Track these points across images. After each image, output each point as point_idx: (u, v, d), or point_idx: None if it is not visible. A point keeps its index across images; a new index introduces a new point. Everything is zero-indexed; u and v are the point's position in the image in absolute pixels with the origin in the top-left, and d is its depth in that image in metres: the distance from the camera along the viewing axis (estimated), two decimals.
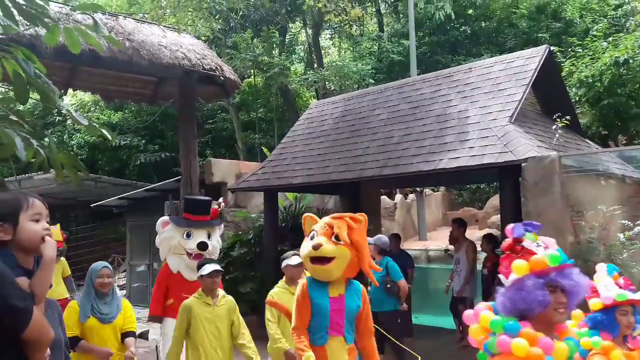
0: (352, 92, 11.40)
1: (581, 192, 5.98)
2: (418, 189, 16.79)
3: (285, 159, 8.85)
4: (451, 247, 8.49)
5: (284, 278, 4.66)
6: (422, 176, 7.88)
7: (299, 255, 3.94)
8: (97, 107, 19.30)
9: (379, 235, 6.48)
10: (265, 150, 13.69)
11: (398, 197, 16.84)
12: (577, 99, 10.70)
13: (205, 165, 10.97)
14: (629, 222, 5.88)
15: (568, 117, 6.20)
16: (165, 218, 5.55)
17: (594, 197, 5.99)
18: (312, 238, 3.43)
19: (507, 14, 18.23)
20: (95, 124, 3.16)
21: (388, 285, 6.08)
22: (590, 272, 5.41)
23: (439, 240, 15.38)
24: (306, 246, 3.43)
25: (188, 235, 5.30)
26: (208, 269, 4.30)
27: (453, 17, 17.62)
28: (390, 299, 6.12)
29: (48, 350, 1.99)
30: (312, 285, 3.44)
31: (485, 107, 6.77)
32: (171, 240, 5.34)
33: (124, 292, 12.62)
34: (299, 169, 8.33)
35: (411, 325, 8.28)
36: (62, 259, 7.28)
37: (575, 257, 5.51)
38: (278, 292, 4.54)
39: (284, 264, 4.63)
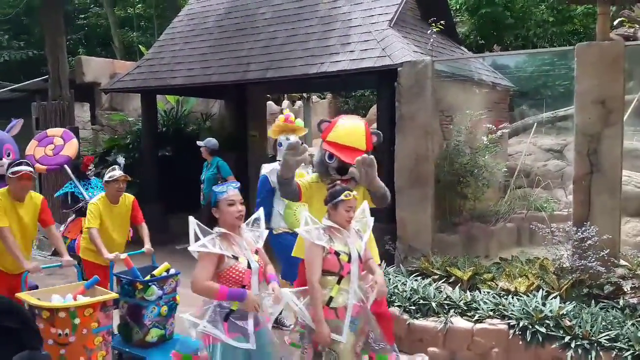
0: None
1: (452, 97, 6.27)
2: (305, 95, 16.75)
3: (163, 57, 8.33)
4: None
5: None
6: (307, 80, 7.84)
7: None
8: None
9: (209, 138, 6.94)
10: (143, 49, 12.77)
11: (285, 103, 16.76)
12: (457, 7, 10.99)
13: (75, 64, 10.09)
14: (493, 126, 6.34)
15: (442, 22, 6.34)
16: None
17: (464, 102, 6.31)
18: None
19: None
20: None
21: (219, 182, 6.79)
22: (458, 174, 5.85)
23: None
24: None
25: None
26: None
27: None
28: None
29: None
30: None
31: (368, 9, 6.74)
32: None
33: None
34: (178, 69, 7.91)
35: None
36: None
37: (443, 158, 5.90)
38: None
39: None
